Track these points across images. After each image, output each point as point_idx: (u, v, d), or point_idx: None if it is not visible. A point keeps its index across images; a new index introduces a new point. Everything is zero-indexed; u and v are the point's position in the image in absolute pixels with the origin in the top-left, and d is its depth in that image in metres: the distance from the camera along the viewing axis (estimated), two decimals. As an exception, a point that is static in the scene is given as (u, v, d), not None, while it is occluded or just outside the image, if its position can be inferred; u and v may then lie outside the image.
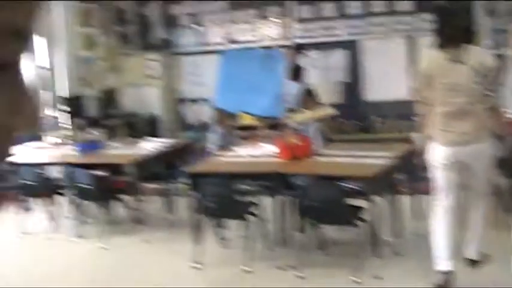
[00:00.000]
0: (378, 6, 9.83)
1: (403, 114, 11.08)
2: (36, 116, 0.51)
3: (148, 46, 11.63)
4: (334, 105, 8.47)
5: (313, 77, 9.60)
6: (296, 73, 8.79)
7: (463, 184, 4.86)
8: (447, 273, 4.72)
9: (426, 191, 7.01)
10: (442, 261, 4.77)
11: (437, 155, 4.75)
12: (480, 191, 4.88)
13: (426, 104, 4.77)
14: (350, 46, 10.26)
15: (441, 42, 4.72)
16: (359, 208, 5.25)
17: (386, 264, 5.28)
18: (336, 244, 5.92)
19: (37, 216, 7.17)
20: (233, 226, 6.11)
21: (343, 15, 10.18)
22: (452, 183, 4.80)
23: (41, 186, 6.59)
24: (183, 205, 6.92)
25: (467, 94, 4.60)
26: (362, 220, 5.16)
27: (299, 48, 10.45)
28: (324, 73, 10.34)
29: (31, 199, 7.05)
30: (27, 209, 6.88)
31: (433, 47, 4.84)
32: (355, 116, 10.49)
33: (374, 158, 5.49)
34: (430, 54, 4.89)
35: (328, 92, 9.57)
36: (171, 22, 11.38)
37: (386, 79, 10.01)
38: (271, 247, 5.72)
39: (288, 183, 5.28)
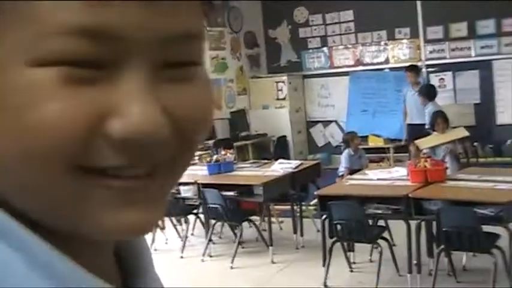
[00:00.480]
0: (510, 26, 9.54)
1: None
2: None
3: (277, 69, 11.83)
4: (466, 128, 8.26)
5: (444, 99, 9.41)
6: (429, 93, 8.65)
7: None
8: None
9: None
10: None
11: None
12: None
13: None
14: (482, 67, 10.00)
15: None
16: (495, 235, 5.09)
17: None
18: (467, 272, 5.75)
19: (169, 234, 7.41)
20: (363, 250, 6.07)
21: (474, 36, 9.95)
22: None
23: (174, 206, 6.80)
24: (312, 227, 6.96)
25: None
26: (498, 248, 4.99)
27: (429, 68, 10.30)
28: (455, 95, 10.13)
29: (165, 217, 7.29)
30: (161, 227, 7.12)
31: None
32: (488, 139, 10.17)
33: (510, 183, 5.30)
34: None
35: (459, 114, 9.35)
36: (300, 44, 11.52)
37: None
38: (401, 272, 5.62)
39: (420, 208, 5.19)
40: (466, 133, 7.91)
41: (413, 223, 5.31)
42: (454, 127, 8.28)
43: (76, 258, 0.49)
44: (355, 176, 6.38)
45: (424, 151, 7.09)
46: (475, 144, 10.04)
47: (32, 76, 0.44)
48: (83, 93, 0.45)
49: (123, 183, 0.47)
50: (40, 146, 0.44)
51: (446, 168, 6.10)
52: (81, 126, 0.44)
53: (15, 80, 0.44)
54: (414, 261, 5.38)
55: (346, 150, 7.72)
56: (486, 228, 4.94)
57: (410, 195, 5.19)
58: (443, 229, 4.88)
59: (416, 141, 7.66)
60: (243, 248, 6.87)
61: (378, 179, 5.88)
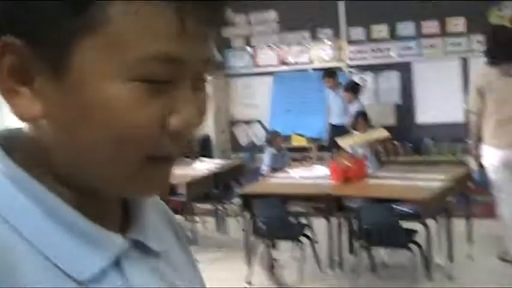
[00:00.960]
0: (430, 28, 9.79)
1: (456, 136, 10.97)
2: None
3: (200, 68, 11.76)
4: (386, 128, 8.43)
5: (365, 99, 9.58)
6: (354, 90, 8.80)
7: None
8: None
9: (480, 215, 6.93)
10: None
11: (494, 159, 5.46)
12: None
13: (479, 115, 5.53)
14: (403, 68, 10.22)
15: (492, 59, 5.41)
16: (413, 231, 5.22)
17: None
18: (388, 267, 5.89)
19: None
20: (285, 247, 6.12)
21: (395, 37, 10.16)
22: (506, 180, 5.48)
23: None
24: (235, 226, 6.97)
25: None
26: (415, 243, 5.13)
27: (351, 69, 10.46)
28: (376, 95, 10.32)
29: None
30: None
31: (484, 63, 5.54)
32: (408, 139, 10.41)
33: (428, 181, 5.46)
34: (483, 69, 5.58)
35: (380, 114, 9.53)
36: (223, 44, 11.51)
37: (440, 101, 9.93)
38: (323, 269, 5.70)
39: (341, 206, 5.28)
40: (386, 133, 8.08)
41: (334, 220, 5.40)
42: (375, 127, 8.45)
43: (91, 211, 0.68)
44: (277, 175, 6.43)
45: (346, 150, 7.21)
46: (396, 143, 10.27)
47: (125, 88, 0.63)
48: (156, 100, 0.64)
49: (169, 167, 0.69)
50: (129, 135, 0.63)
51: (367, 166, 6.23)
52: (155, 124, 0.64)
53: (115, 90, 0.63)
54: (336, 258, 5.47)
55: (269, 150, 7.76)
56: (405, 224, 5.07)
57: (331, 193, 5.27)
58: (364, 226, 4.97)
59: (338, 140, 7.78)
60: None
61: (300, 177, 5.95)
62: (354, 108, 8.52)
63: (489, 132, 5.51)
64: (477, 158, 5.73)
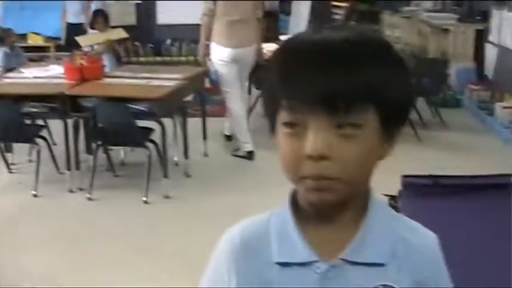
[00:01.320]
0: None
1: (197, 38, 11.20)
2: None
3: None
4: (127, 27, 8.35)
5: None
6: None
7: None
8: (251, 153, 6.05)
9: (215, 113, 7.23)
10: (247, 144, 6.10)
11: (222, 56, 6.05)
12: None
13: (211, 16, 6.02)
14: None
15: None
16: (149, 130, 5.32)
17: (175, 185, 5.41)
18: (126, 166, 5.97)
19: None
20: (21, 150, 5.93)
21: None
22: (235, 76, 6.16)
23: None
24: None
25: (244, 7, 6.06)
26: (152, 142, 5.24)
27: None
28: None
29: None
30: None
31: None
32: (149, 39, 10.43)
33: (164, 80, 5.54)
34: None
35: (120, 14, 9.38)
36: None
37: (180, 2, 9.99)
38: (61, 170, 5.63)
39: (77, 106, 5.18)
40: (125, 35, 8.02)
41: (70, 121, 5.30)
42: (115, 28, 8.33)
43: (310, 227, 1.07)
44: (10, 75, 6.11)
45: (85, 49, 7.04)
46: (136, 43, 10.24)
47: (282, 131, 1.01)
48: (295, 139, 0.98)
49: (316, 182, 0.98)
50: (284, 164, 1.02)
51: (104, 66, 6.15)
52: (297, 154, 0.98)
53: (280, 131, 1.02)
54: (73, 159, 5.41)
55: (2, 48, 7.33)
56: (141, 123, 5.14)
57: (66, 92, 5.15)
58: (100, 125, 4.95)
59: (77, 38, 7.59)
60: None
61: (34, 77, 5.71)
62: (92, 6, 8.29)
63: (219, 32, 6.02)
64: (206, 56, 6.26)
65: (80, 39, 7.54)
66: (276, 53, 1.05)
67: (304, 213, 1.07)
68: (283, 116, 0.99)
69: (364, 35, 1.02)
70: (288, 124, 0.99)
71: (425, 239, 1.11)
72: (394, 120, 1.02)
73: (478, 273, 3.68)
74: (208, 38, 6.15)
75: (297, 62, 0.98)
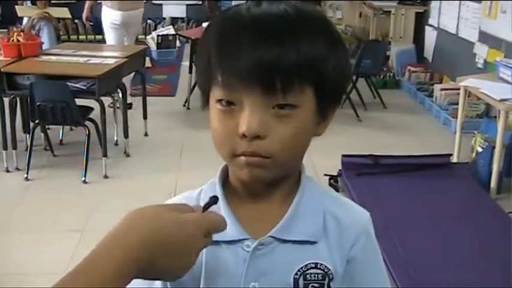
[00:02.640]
0: None
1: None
2: None
3: None
4: (67, 5, 8.20)
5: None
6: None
7: None
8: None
9: (155, 93, 7.17)
10: None
11: (115, 18, 6.72)
12: None
13: None
14: None
15: None
16: (88, 108, 5.23)
17: (115, 164, 5.35)
18: (64, 145, 5.87)
19: None
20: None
21: None
22: (122, 37, 6.94)
23: None
24: None
25: None
26: (91, 120, 5.15)
27: None
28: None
29: None
30: None
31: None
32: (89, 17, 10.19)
33: (103, 58, 5.44)
34: None
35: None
36: None
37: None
38: (-4, 149, 5.49)
39: (14, 83, 5.05)
40: (69, 15, 7.87)
41: (7, 99, 5.17)
42: (56, 4, 8.16)
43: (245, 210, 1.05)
44: None
45: (23, 25, 6.88)
46: (76, 21, 10.04)
47: (215, 107, 0.98)
48: (229, 116, 0.96)
49: (248, 159, 0.96)
50: (216, 141, 1.00)
51: (42, 43, 6.01)
52: (230, 132, 0.96)
53: (213, 108, 0.99)
54: (10, 138, 5.28)
55: None
56: (80, 101, 5.04)
57: (2, 69, 5.00)
58: (37, 104, 4.83)
59: (17, 7, 7.44)
60: None
61: (-32, 54, 5.53)
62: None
63: None
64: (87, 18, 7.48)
65: (19, 8, 7.38)
66: (211, 24, 1.02)
67: (234, 191, 1.06)
68: (217, 93, 0.97)
69: (303, 11, 0.99)
70: (221, 101, 0.96)
71: (357, 216, 1.10)
72: (330, 100, 1.01)
73: (418, 252, 3.76)
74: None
75: (233, 36, 0.94)
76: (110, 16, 6.75)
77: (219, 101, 0.97)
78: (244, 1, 1.04)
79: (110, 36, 6.91)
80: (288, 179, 1.05)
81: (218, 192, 1.06)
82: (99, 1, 7.23)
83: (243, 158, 0.96)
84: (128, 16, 6.77)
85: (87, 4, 7.42)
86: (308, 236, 1.03)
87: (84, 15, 7.54)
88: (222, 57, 0.94)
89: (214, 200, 0.95)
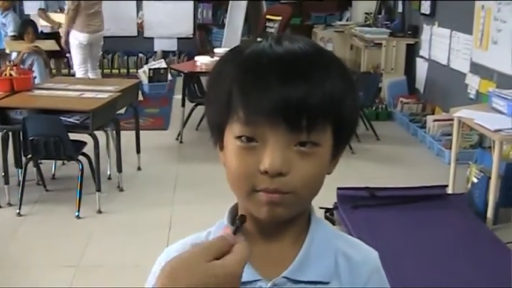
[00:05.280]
0: None
1: (129, 50, 11.11)
2: None
3: None
4: (60, 39, 8.21)
5: (33, 7, 9.16)
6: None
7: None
8: None
9: (148, 127, 7.16)
10: None
11: (83, 40, 7.95)
12: None
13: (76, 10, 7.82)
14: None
15: None
16: (81, 143, 5.20)
17: (108, 199, 5.31)
18: (57, 180, 5.82)
19: None
20: None
21: None
22: (89, 56, 8.22)
23: None
24: None
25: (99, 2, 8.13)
26: (84, 155, 5.12)
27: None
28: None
29: None
30: None
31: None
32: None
33: (97, 92, 5.43)
34: None
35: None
36: None
37: (114, 13, 9.88)
38: (-11, 185, 5.44)
39: (6, 118, 5.02)
40: (57, 47, 7.88)
41: (-1, 134, 5.14)
42: (45, 38, 8.18)
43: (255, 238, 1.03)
44: None
45: (12, 59, 6.87)
46: (68, 55, 10.03)
47: (234, 143, 0.95)
48: (249, 152, 0.94)
49: (269, 195, 0.94)
50: (233, 178, 0.97)
51: (35, 77, 6.00)
52: (250, 168, 0.93)
53: (231, 144, 0.96)
54: (2, 173, 5.24)
55: None
56: (73, 136, 5.01)
57: (-6, 104, 4.98)
58: (30, 138, 4.80)
59: (6, 43, 7.46)
60: None
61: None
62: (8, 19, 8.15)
63: (81, 22, 7.90)
64: (66, 43, 8.01)
65: (8, 43, 7.38)
66: (228, 59, 1.00)
67: (245, 230, 1.02)
68: (237, 129, 0.94)
69: (320, 49, 1.00)
70: (241, 137, 0.94)
71: (367, 255, 1.10)
72: (344, 138, 1.01)
73: (416, 284, 3.72)
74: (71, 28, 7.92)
75: (258, 72, 0.92)
76: (79, 38, 7.93)
77: (239, 137, 0.94)
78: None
79: (78, 57, 8.09)
80: (299, 218, 1.03)
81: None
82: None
83: (263, 195, 0.94)
84: (95, 37, 8.09)
85: (63, 30, 8.16)
86: (321, 276, 1.01)
87: (63, 40, 8.06)
88: (247, 94, 0.92)
89: (243, 220, 0.94)
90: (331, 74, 0.95)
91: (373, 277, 1.07)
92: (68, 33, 7.95)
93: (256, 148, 0.93)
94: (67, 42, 8.00)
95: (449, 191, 5.20)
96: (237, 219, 0.94)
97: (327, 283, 1.01)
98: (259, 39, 1.01)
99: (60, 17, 9.01)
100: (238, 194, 0.99)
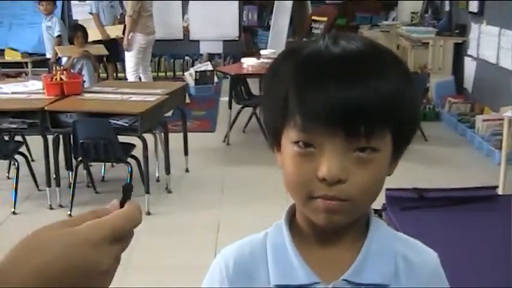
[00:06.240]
0: None
1: (175, 53, 11.19)
2: None
3: None
4: (105, 43, 8.32)
5: (81, 12, 9.30)
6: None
7: None
8: None
9: (195, 129, 7.20)
10: None
11: (140, 42, 8.29)
12: None
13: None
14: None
15: None
16: (130, 145, 5.27)
17: (157, 200, 5.37)
18: (106, 182, 5.91)
19: None
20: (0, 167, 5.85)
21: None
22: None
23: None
24: None
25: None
26: (133, 157, 5.18)
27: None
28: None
29: None
30: None
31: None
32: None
33: (144, 95, 5.49)
34: None
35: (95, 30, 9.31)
36: None
37: (161, 16, 9.97)
38: (41, 187, 5.55)
39: (57, 121, 5.12)
40: (105, 51, 7.99)
41: (50, 137, 5.23)
42: (93, 43, 8.29)
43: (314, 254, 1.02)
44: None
45: (63, 64, 6.98)
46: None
47: (291, 148, 0.94)
48: (307, 159, 0.92)
49: (327, 202, 0.92)
50: (290, 183, 0.95)
51: (84, 81, 6.09)
52: (308, 174, 0.92)
53: (288, 149, 0.94)
54: (53, 175, 5.34)
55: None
56: (122, 138, 5.08)
57: (46, 108, 5.08)
58: (80, 141, 4.88)
59: (57, 48, 7.58)
60: None
61: (13, 93, 5.63)
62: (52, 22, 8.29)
63: (142, 24, 8.19)
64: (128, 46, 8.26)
65: (59, 48, 7.52)
66: (283, 62, 0.97)
67: (302, 233, 1.03)
68: (294, 134, 0.93)
69: (378, 47, 0.97)
70: (299, 143, 0.93)
71: (427, 257, 1.09)
72: (405, 139, 0.99)
73: (464, 286, 3.67)
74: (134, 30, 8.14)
75: (315, 77, 0.90)
76: (139, 40, 8.21)
77: (296, 142, 0.93)
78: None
79: (133, 60, 8.30)
80: (358, 221, 1.02)
81: (285, 234, 1.03)
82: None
83: (320, 201, 0.93)
84: (152, 40, 8.45)
85: (127, 32, 8.24)
86: (381, 278, 1.00)
87: (125, 42, 8.31)
88: (303, 100, 0.90)
89: (128, 188, 0.78)
90: (390, 74, 0.93)
91: (433, 279, 1.07)
92: (129, 36, 8.17)
93: (314, 154, 0.92)
94: (130, 45, 8.24)
95: (500, 192, 5.11)
96: (122, 187, 0.78)
97: (387, 285, 1.00)
98: (314, 38, 0.98)
99: (112, 30, 9.11)
100: (295, 198, 0.98)
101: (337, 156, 0.90)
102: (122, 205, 0.75)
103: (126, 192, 0.76)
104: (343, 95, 0.88)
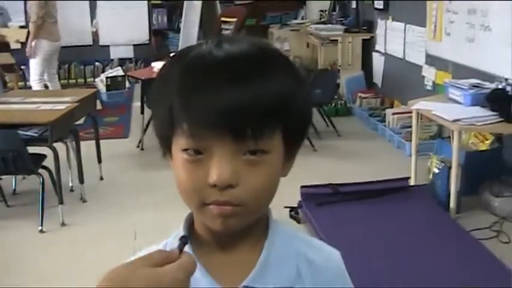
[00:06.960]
0: None
1: (85, 59, 11.00)
2: None
3: None
4: (13, 51, 8.12)
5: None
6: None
7: None
8: None
9: (108, 136, 7.09)
10: None
11: (46, 48, 8.09)
12: None
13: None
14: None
15: None
16: (41, 156, 5.13)
17: (72, 211, 5.24)
18: (18, 195, 5.73)
19: None
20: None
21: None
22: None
23: None
24: None
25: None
26: (44, 168, 5.05)
27: None
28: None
29: None
30: None
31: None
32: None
33: (54, 104, 5.35)
34: None
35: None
36: None
37: (69, 22, 9.77)
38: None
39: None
40: (12, 60, 7.78)
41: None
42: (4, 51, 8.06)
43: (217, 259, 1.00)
44: None
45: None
46: (23, 67, 9.91)
47: (180, 156, 0.92)
48: (197, 165, 0.91)
49: (220, 208, 0.91)
50: (183, 192, 0.95)
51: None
52: (199, 181, 0.90)
53: (178, 157, 0.93)
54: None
55: None
56: (32, 149, 4.94)
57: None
58: None
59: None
60: None
61: None
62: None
63: (46, 30, 8.02)
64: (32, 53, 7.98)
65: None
66: (169, 68, 0.95)
67: (201, 241, 1.01)
68: (182, 142, 0.91)
69: (265, 48, 0.95)
70: (187, 150, 0.91)
71: (330, 257, 1.08)
72: (297, 138, 0.98)
73: (381, 276, 3.75)
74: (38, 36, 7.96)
75: (197, 83, 0.88)
76: (44, 47, 8.03)
77: (185, 150, 0.91)
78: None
79: (37, 67, 8.12)
80: (256, 224, 1.00)
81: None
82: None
83: (214, 207, 0.91)
84: (58, 46, 8.31)
85: (30, 39, 8.04)
86: (283, 282, 0.98)
87: (28, 49, 8.03)
88: (187, 107, 0.88)
89: (185, 240, 0.87)
90: (276, 74, 0.91)
91: (337, 279, 1.06)
92: (32, 42, 7.95)
93: (203, 161, 0.90)
94: (34, 52, 8.01)
95: (412, 182, 5.26)
96: (178, 240, 0.86)
97: None
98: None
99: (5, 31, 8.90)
100: (190, 206, 0.96)
101: (227, 161, 0.88)
102: (180, 253, 0.83)
103: (183, 245, 0.85)
104: (226, 99, 0.86)
